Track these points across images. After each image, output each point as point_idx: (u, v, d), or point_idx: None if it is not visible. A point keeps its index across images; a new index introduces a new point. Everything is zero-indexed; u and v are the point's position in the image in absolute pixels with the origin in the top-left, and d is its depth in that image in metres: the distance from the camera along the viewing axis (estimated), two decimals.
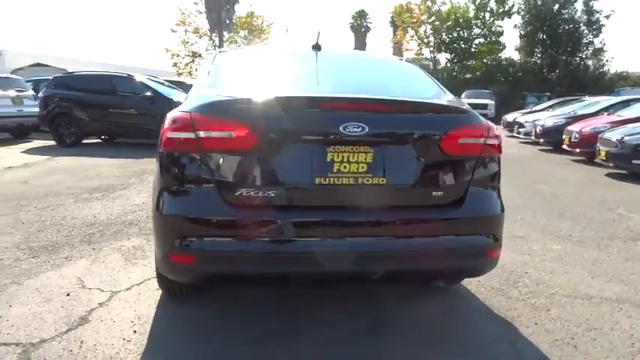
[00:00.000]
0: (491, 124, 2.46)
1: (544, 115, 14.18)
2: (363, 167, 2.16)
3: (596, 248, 4.15)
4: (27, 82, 13.20)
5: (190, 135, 2.11)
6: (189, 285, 2.66)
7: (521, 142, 14.43)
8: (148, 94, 10.48)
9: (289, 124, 2.13)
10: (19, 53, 27.62)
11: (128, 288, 3.06)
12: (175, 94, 10.25)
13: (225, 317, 2.70)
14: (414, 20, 35.64)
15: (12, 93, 11.61)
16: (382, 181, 2.18)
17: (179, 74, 37.90)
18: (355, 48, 54.91)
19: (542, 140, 12.70)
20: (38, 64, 22.64)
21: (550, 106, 17.47)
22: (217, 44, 35.95)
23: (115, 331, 2.48)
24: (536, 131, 13.01)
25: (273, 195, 2.13)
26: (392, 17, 40.43)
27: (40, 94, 11.34)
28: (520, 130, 14.92)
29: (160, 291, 2.89)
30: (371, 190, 2.18)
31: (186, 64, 38.46)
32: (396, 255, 2.22)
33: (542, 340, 2.49)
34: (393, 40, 40.92)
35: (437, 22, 35.41)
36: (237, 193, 2.12)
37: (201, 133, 2.10)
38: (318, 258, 2.10)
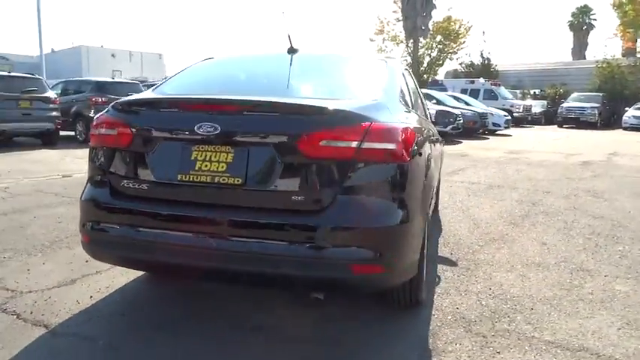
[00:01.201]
0: (386, 127, 2.21)
1: None
2: (222, 167, 2.18)
3: None
4: None
5: (95, 132, 2.47)
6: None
7: None
8: None
9: (156, 124, 2.31)
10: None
11: None
12: None
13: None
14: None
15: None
16: (238, 181, 2.17)
17: None
18: (573, 49, 48.68)
19: None
20: None
21: None
22: (412, 51, 36.29)
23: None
24: None
25: (145, 188, 2.32)
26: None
27: None
28: None
29: None
30: (227, 189, 2.19)
31: None
32: (248, 257, 2.15)
33: None
34: (618, 37, 35.01)
35: None
36: (120, 185, 2.38)
37: (102, 130, 2.42)
38: (178, 251, 2.22)
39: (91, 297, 2.91)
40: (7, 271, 3.33)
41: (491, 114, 19.24)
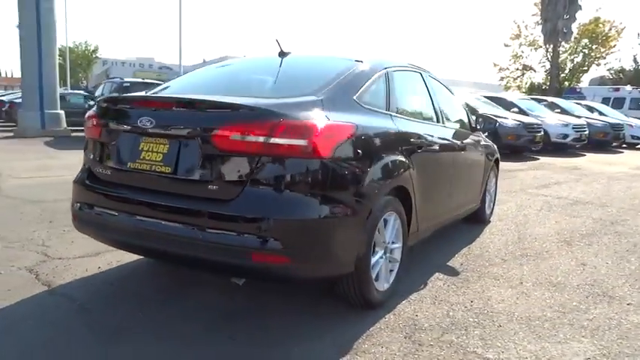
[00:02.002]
0: (296, 123, 2.27)
1: None
2: (159, 157, 2.42)
3: None
4: None
5: (84, 125, 2.89)
6: None
7: None
8: None
9: (116, 118, 2.63)
10: None
11: None
12: None
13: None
14: None
15: None
16: (168, 170, 2.38)
17: (507, 88, 37.11)
18: None
19: None
20: None
21: None
22: (551, 57, 33.52)
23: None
24: None
25: (109, 173, 2.65)
26: None
27: None
28: None
29: None
30: (161, 177, 2.42)
31: (515, 79, 37.26)
32: (174, 240, 2.33)
33: None
34: None
35: None
36: (95, 170, 2.74)
37: (87, 124, 2.83)
38: (125, 230, 2.52)
39: (99, 268, 3.38)
40: (58, 241, 3.98)
41: (631, 125, 17.01)
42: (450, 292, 3.16)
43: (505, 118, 12.83)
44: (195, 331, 2.49)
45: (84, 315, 2.69)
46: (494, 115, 12.93)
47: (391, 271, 2.99)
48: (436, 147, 3.52)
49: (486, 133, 5.49)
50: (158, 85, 13.86)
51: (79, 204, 2.80)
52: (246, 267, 2.28)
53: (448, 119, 4.06)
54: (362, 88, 2.82)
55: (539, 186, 7.91)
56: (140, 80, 16.01)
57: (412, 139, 3.09)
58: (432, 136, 3.48)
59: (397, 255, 3.02)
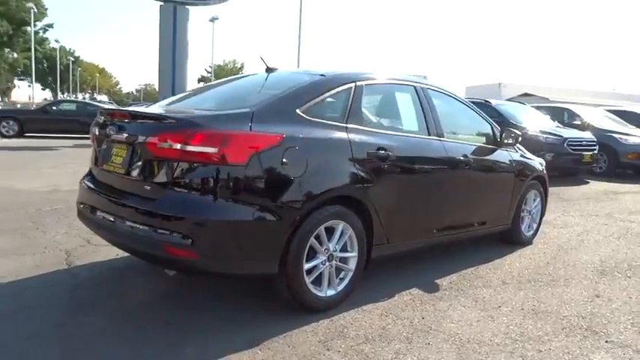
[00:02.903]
0: (208, 133, 2.51)
1: None
2: (120, 160, 2.82)
3: None
4: None
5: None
6: None
7: None
8: (495, 119, 10.92)
9: (100, 127, 3.10)
10: (514, 85, 30.63)
11: None
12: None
13: None
14: None
15: None
16: (122, 171, 2.78)
17: None
18: None
19: None
20: (526, 94, 24.07)
21: None
22: None
23: None
24: None
25: (96, 174, 3.15)
26: None
27: None
28: None
29: None
30: (119, 177, 2.83)
31: None
32: (120, 233, 2.73)
33: None
34: None
35: None
36: (92, 172, 3.28)
37: (90, 131, 3.37)
38: (98, 223, 2.97)
39: (117, 255, 3.96)
40: None
41: None
42: (407, 307, 3.11)
43: (627, 135, 11.42)
44: (139, 314, 2.87)
45: (74, 290, 3.22)
46: (615, 132, 11.55)
47: (341, 279, 3.05)
48: (419, 160, 3.48)
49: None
50: None
51: (80, 201, 3.36)
52: (165, 259, 2.59)
53: (454, 133, 3.95)
54: (312, 101, 2.96)
55: (635, 211, 6.99)
56: None
57: (374, 152, 3.12)
58: (413, 149, 3.45)
59: (352, 264, 3.08)
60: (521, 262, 4.21)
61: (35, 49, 42.10)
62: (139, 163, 2.74)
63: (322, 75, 3.23)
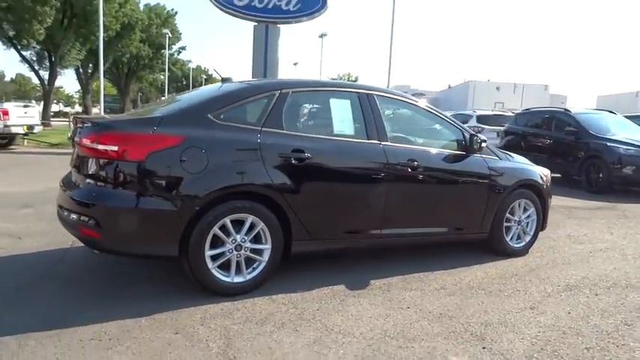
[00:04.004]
0: (111, 134, 3.00)
1: None
2: (74, 158, 3.43)
3: None
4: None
5: None
6: None
7: None
8: (571, 128, 10.19)
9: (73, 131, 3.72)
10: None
11: None
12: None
13: None
14: None
15: None
16: (76, 167, 3.32)
17: None
18: None
19: None
20: None
21: None
22: None
23: None
24: None
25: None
26: None
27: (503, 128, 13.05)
28: None
29: None
30: (75, 172, 3.37)
31: None
32: (67, 221, 3.24)
33: None
34: None
35: None
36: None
37: None
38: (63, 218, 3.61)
39: None
40: None
41: None
42: (314, 300, 3.28)
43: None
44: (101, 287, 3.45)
45: (62, 266, 3.90)
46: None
47: (254, 268, 3.34)
48: (347, 162, 3.63)
49: None
50: None
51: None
52: (81, 238, 3.13)
53: (409, 138, 4.02)
54: (225, 107, 3.31)
55: None
56: None
57: (289, 153, 3.36)
58: (340, 152, 3.61)
59: (265, 256, 3.35)
60: (487, 272, 4.07)
61: (169, 69, 47.55)
62: (78, 160, 3.32)
63: (249, 84, 3.57)
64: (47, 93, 32.63)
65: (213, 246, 3.19)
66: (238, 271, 3.30)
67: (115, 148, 2.98)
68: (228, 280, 3.25)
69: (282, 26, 18.19)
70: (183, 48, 54.44)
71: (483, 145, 4.20)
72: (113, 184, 3.02)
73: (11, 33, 27.76)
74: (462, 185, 4.22)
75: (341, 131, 3.78)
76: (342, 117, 3.80)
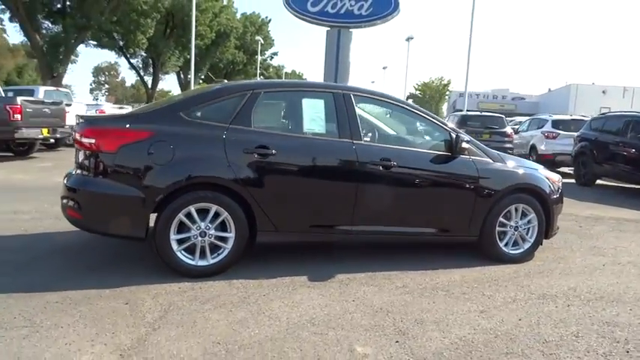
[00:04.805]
0: (89, 129, 3.46)
1: None
2: None
3: None
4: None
5: None
6: None
7: None
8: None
9: None
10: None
11: None
12: None
13: None
14: None
15: None
16: (80, 159, 3.86)
17: None
18: None
19: None
20: None
21: None
22: None
23: None
24: None
25: None
26: None
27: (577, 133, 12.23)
28: None
29: None
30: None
31: None
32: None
33: None
34: None
35: None
36: None
37: None
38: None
39: None
40: None
41: None
42: (268, 287, 3.49)
43: None
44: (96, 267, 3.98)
45: (71, 244, 4.51)
46: None
47: (219, 254, 3.63)
48: (313, 158, 3.79)
49: None
50: (496, 116, 15.22)
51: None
52: (69, 218, 3.63)
53: (385, 138, 4.09)
54: (197, 106, 3.66)
55: None
56: (477, 113, 17.24)
57: (253, 149, 3.60)
58: (305, 149, 3.80)
59: (229, 243, 3.63)
60: (465, 275, 3.99)
61: (262, 74, 49.94)
62: (75, 153, 3.85)
63: (226, 85, 3.89)
64: (150, 96, 35.90)
65: (179, 231, 3.53)
66: (203, 256, 3.60)
67: (93, 141, 3.44)
68: (192, 263, 3.57)
69: (361, 30, 18.46)
70: (276, 53, 56.71)
71: (465, 145, 4.12)
72: (93, 173, 3.48)
73: (121, 43, 30.96)
74: (445, 186, 4.18)
75: (311, 129, 3.96)
76: (314, 116, 3.97)
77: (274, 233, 3.75)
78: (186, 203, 3.50)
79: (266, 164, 3.65)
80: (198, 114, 3.66)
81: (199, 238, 3.57)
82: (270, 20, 49.85)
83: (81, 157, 3.60)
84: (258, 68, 48.37)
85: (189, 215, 3.52)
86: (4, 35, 45.47)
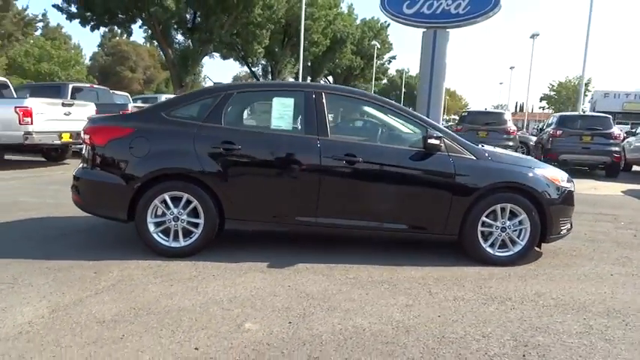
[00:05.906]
0: (88, 127, 4.07)
1: None
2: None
3: None
4: None
5: None
6: None
7: None
8: None
9: None
10: None
11: None
12: None
13: None
14: None
15: None
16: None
17: None
18: None
19: None
20: None
21: None
22: None
23: None
24: None
25: None
26: None
27: None
28: None
29: None
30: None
31: None
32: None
33: None
34: None
35: None
36: None
37: None
38: None
39: None
40: None
41: None
42: (225, 271, 3.83)
43: None
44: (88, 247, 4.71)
45: (95, 225, 5.30)
46: None
47: (190, 237, 4.09)
48: (275, 153, 4.07)
49: None
50: (601, 117, 14.49)
51: None
52: (75, 202, 4.34)
53: (355, 133, 4.21)
54: (176, 106, 4.15)
55: None
56: (579, 113, 15.90)
57: (219, 144, 3.99)
58: (268, 144, 4.09)
59: (199, 228, 4.06)
60: (428, 273, 3.94)
61: (379, 79, 50.25)
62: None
63: (206, 87, 4.34)
64: None
65: (156, 215, 4.05)
66: (176, 238, 4.08)
67: (89, 137, 4.12)
68: (166, 244, 4.07)
69: (460, 30, 17.89)
70: (394, 57, 56.48)
71: (433, 142, 4.04)
72: (90, 164, 4.17)
73: (242, 54, 33.63)
74: (417, 182, 4.15)
75: (278, 126, 4.21)
76: (282, 114, 4.22)
77: (239, 221, 4.09)
78: (161, 191, 4.00)
79: (231, 158, 4.01)
80: (177, 113, 4.16)
81: (173, 223, 4.05)
82: (389, 25, 49.85)
83: (84, 151, 4.32)
84: (374, 73, 48.72)
85: (164, 202, 4.02)
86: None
